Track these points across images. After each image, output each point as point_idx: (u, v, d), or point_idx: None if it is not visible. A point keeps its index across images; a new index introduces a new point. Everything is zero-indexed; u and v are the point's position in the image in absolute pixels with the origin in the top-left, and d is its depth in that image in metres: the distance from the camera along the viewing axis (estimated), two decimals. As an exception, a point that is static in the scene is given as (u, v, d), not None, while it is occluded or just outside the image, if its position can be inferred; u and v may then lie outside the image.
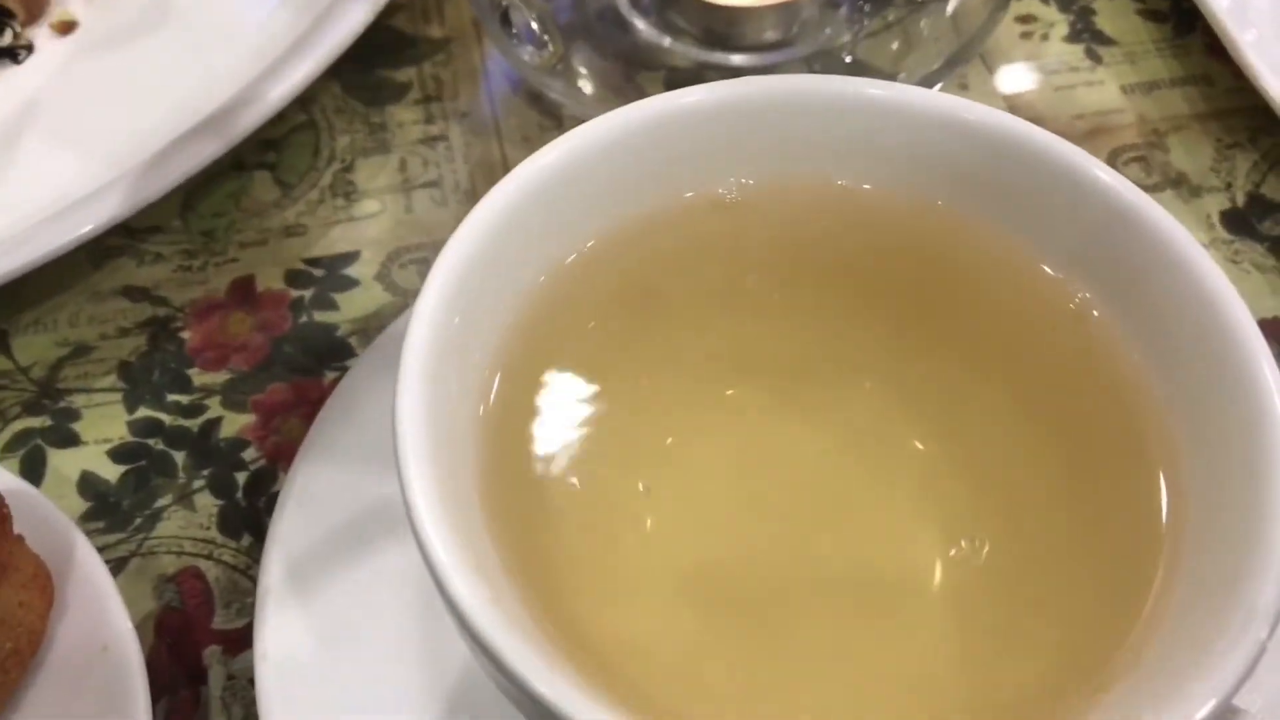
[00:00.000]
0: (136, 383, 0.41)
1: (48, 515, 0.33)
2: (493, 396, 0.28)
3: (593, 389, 0.29)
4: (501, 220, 0.28)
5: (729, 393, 0.31)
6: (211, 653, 0.36)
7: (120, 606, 0.32)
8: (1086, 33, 0.51)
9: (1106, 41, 0.51)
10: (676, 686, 0.26)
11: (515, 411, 0.28)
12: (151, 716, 0.31)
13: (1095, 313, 0.29)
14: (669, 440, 0.30)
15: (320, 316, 0.42)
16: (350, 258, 0.44)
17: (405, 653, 0.32)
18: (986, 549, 0.27)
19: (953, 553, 0.27)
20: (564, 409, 0.29)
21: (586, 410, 0.29)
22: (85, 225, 0.40)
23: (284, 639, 0.32)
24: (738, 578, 0.28)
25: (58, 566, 0.33)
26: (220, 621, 0.36)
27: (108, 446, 0.39)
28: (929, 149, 0.31)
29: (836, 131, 0.31)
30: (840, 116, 0.31)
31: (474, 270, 0.27)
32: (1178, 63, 0.50)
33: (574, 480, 0.28)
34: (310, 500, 0.34)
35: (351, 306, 0.43)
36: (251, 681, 0.35)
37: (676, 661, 0.26)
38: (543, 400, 0.29)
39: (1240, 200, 0.46)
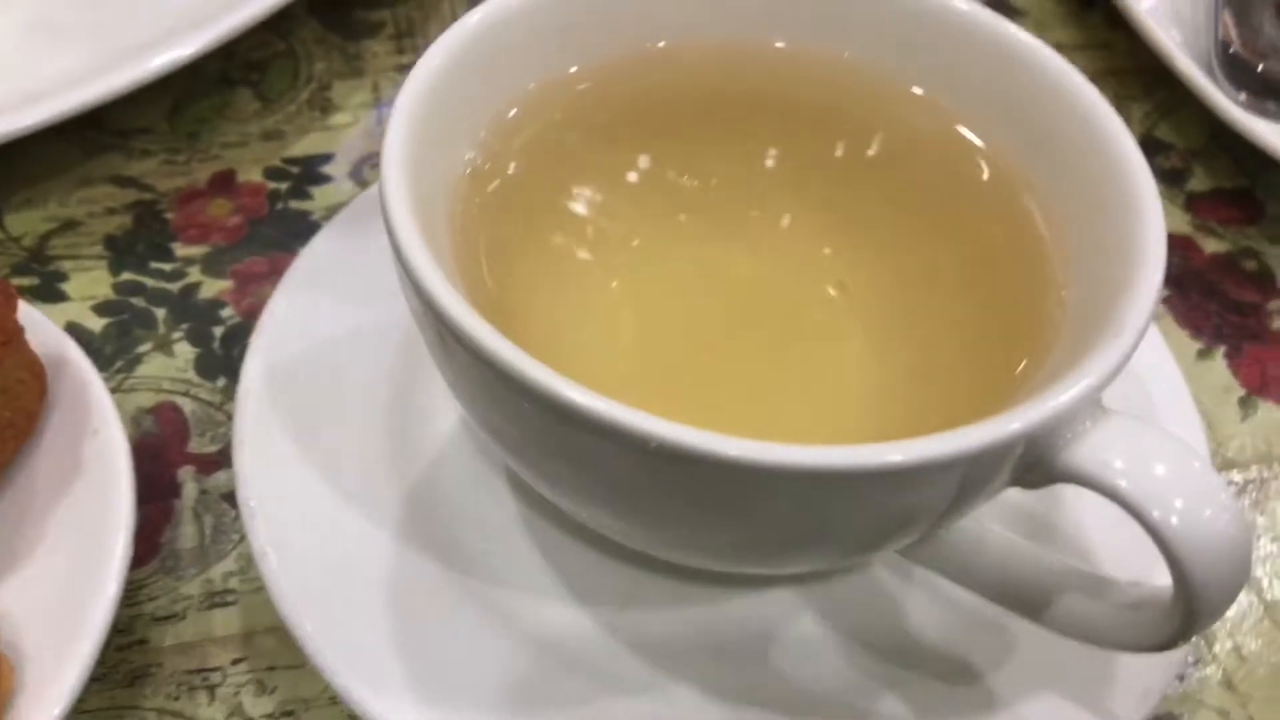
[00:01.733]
0: (122, 252, 0.44)
1: (40, 322, 0.36)
2: (468, 168, 0.31)
3: (564, 187, 0.33)
4: (474, 39, 0.31)
5: (680, 219, 0.35)
6: (185, 471, 0.38)
7: (107, 398, 0.35)
8: (998, 4, 0.56)
9: (1018, 13, 0.56)
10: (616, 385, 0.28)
11: (492, 182, 0.31)
12: (134, 483, 0.33)
13: (984, 135, 0.34)
14: (635, 242, 0.33)
15: (295, 205, 0.46)
16: (324, 158, 0.47)
17: (371, 444, 0.35)
18: (902, 305, 0.31)
19: (873, 303, 0.31)
20: (535, 192, 0.32)
21: (557, 200, 0.33)
22: (68, 104, 0.43)
23: (260, 427, 0.34)
24: (682, 323, 0.31)
25: (51, 365, 0.35)
26: (194, 447, 0.39)
27: (92, 303, 0.42)
28: (838, 10, 0.35)
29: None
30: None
31: (451, 77, 0.31)
32: (1080, 32, 0.56)
33: (542, 251, 0.32)
34: (286, 322, 0.37)
35: (324, 197, 0.46)
36: (222, 496, 0.38)
37: (620, 367, 0.30)
38: (517, 180, 0.32)
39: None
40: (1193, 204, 0.49)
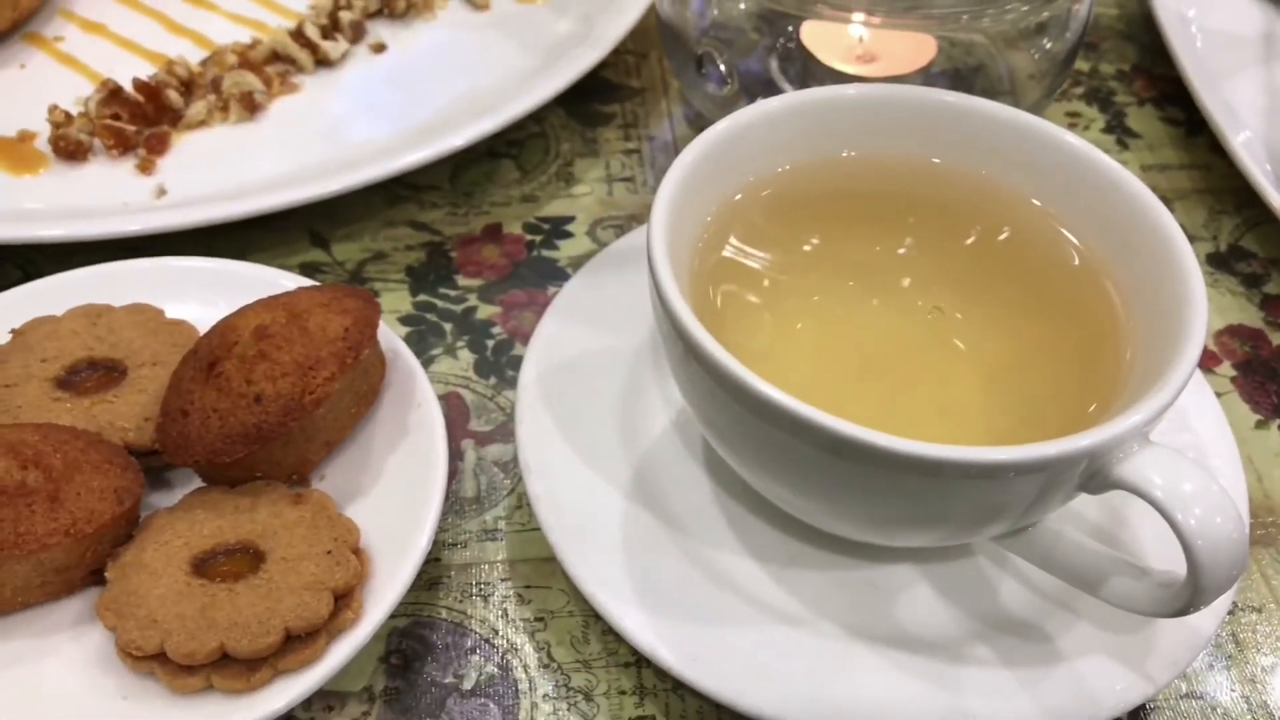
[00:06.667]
0: (419, 279, 0.58)
1: (382, 326, 0.50)
2: (703, 235, 0.44)
3: (769, 253, 0.46)
4: (716, 142, 0.45)
5: (849, 283, 0.47)
6: (467, 443, 0.52)
7: (427, 382, 0.48)
8: (1119, 128, 0.68)
9: (1133, 135, 0.68)
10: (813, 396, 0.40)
11: (719, 245, 0.44)
12: (447, 443, 0.46)
13: (1082, 237, 0.45)
14: (815, 298, 0.46)
15: (546, 253, 0.59)
16: (568, 219, 0.61)
17: (612, 432, 0.48)
18: (1010, 357, 0.43)
19: (989, 354, 0.43)
20: (748, 255, 0.45)
21: (763, 262, 0.46)
22: (380, 172, 0.58)
23: (533, 411, 0.48)
24: (847, 353, 0.44)
25: (389, 355, 0.49)
26: (474, 425, 0.52)
27: (398, 315, 0.56)
28: (977, 135, 0.47)
29: (919, 122, 0.48)
30: (926, 113, 0.48)
31: (697, 168, 0.44)
32: (1186, 154, 0.67)
33: (751, 298, 0.44)
34: (551, 339, 0.50)
35: (568, 249, 0.60)
36: (493, 462, 0.51)
37: (801, 380, 0.42)
38: (736, 245, 0.45)
39: (1224, 248, 0.62)
40: (1267, 303, 0.60)
